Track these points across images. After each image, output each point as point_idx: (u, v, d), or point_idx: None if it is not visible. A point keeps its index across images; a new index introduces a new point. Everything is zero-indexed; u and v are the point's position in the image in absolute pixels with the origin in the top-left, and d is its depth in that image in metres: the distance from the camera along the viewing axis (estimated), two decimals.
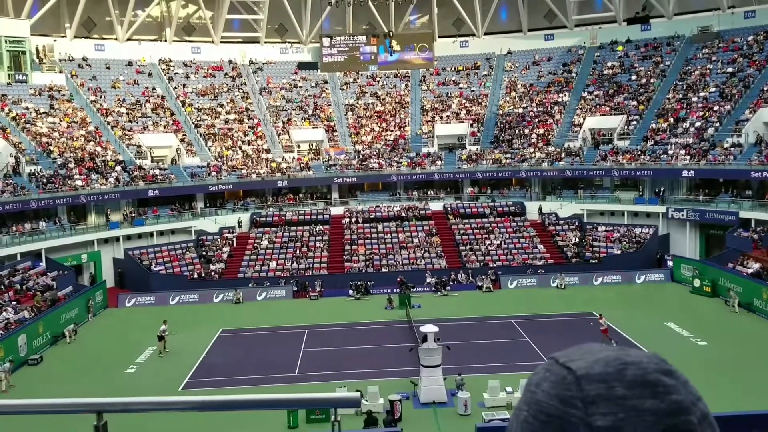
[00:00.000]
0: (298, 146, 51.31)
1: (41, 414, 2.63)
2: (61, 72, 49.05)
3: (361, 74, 58.13)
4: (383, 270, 39.99)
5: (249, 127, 51.63)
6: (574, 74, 53.76)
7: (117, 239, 41.10)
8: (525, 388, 0.89)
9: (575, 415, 0.78)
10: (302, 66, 57.90)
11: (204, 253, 42.01)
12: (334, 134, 52.29)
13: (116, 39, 53.35)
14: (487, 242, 42.07)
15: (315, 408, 19.43)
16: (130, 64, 53.05)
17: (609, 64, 52.93)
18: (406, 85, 57.29)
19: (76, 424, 3.68)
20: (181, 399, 2.37)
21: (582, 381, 0.80)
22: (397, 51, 57.94)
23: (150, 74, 53.10)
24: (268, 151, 49.85)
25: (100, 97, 49.22)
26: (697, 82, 46.95)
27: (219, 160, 47.57)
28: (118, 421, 2.95)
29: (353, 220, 44.83)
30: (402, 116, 54.10)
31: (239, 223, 44.81)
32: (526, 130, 50.07)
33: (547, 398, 0.82)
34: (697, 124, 43.69)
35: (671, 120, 45.20)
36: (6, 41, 45.64)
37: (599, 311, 31.39)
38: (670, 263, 38.36)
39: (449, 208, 46.09)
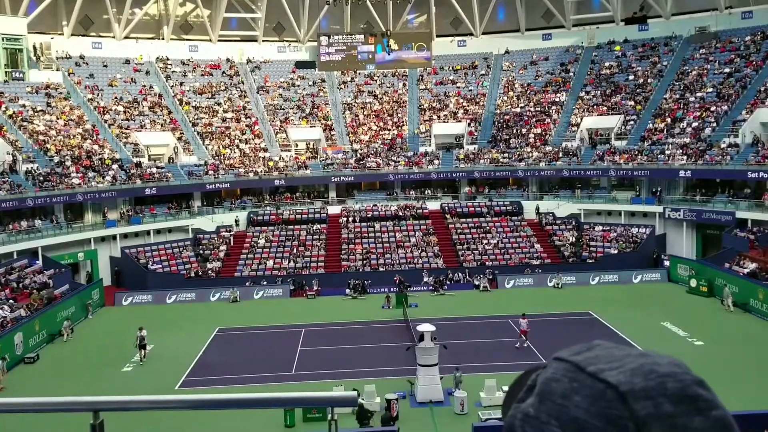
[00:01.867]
0: (296, 145, 51.27)
1: (37, 412, 2.62)
2: (58, 70, 48.95)
3: (359, 73, 58.10)
4: (380, 269, 39.99)
5: (246, 125, 51.58)
6: (571, 74, 53.80)
7: (114, 237, 41.03)
8: (542, 395, 0.81)
9: None
10: (300, 65, 57.85)
11: (201, 251, 41.95)
12: (332, 133, 52.26)
13: (113, 37, 53.25)
14: (485, 242, 42.09)
15: (311, 407, 19.44)
16: (127, 62, 52.95)
17: (606, 64, 52.98)
18: (404, 84, 57.27)
19: (72, 422, 3.68)
20: (178, 398, 2.36)
21: (628, 398, 0.74)
22: (395, 50, 57.92)
23: (147, 72, 53.02)
24: (265, 149, 49.79)
25: (97, 95, 49.12)
26: (695, 83, 47.02)
27: (216, 158, 47.51)
28: (115, 419, 2.95)
29: (350, 219, 44.82)
30: (399, 115, 54.09)
31: (236, 221, 44.75)
32: (524, 130, 50.09)
33: (588, 416, 0.74)
34: (694, 124, 43.75)
35: (668, 120, 45.27)
36: (3, 39, 45.51)
37: (592, 309, 31.47)
38: (667, 263, 38.42)
39: (446, 208, 46.09)
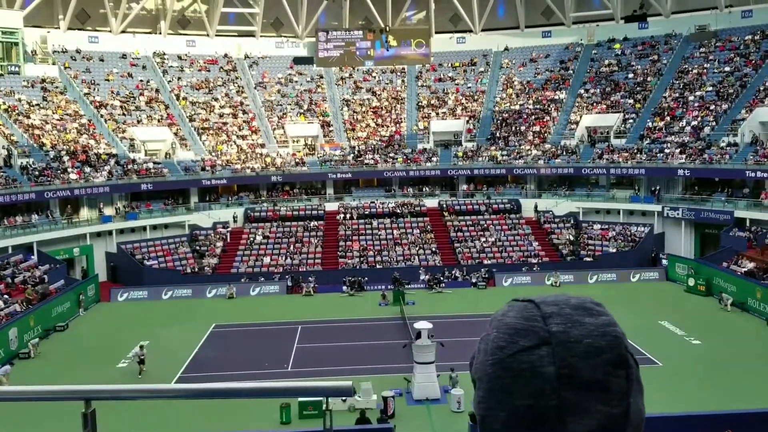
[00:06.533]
0: (294, 141, 51.07)
1: (31, 401, 2.47)
2: (54, 64, 48.61)
3: (357, 69, 57.89)
4: (377, 266, 39.84)
5: (244, 121, 51.35)
6: (571, 72, 53.66)
7: (110, 233, 40.75)
8: (491, 319, 1.17)
9: (537, 326, 1.09)
10: (298, 60, 57.59)
11: (197, 247, 41.75)
12: (330, 129, 52.07)
13: (110, 31, 52.95)
14: (482, 239, 41.97)
15: (306, 397, 19.32)
16: (124, 56, 52.66)
17: (606, 62, 52.86)
18: (402, 81, 57.09)
19: (65, 412, 3.53)
20: (170, 387, 2.24)
21: (540, 305, 1.12)
22: (394, 46, 57.70)
23: (144, 67, 52.72)
24: (262, 146, 49.58)
25: (94, 89, 48.82)
26: (694, 81, 46.93)
27: (213, 154, 47.28)
28: (109, 414, 2.80)
29: (348, 216, 44.65)
30: (398, 112, 53.91)
31: (234, 218, 44.56)
32: (523, 128, 49.94)
33: (515, 319, 1.11)
34: (694, 123, 43.67)
35: (668, 119, 45.18)
36: None
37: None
38: (665, 262, 38.38)
39: (444, 205, 45.95)
